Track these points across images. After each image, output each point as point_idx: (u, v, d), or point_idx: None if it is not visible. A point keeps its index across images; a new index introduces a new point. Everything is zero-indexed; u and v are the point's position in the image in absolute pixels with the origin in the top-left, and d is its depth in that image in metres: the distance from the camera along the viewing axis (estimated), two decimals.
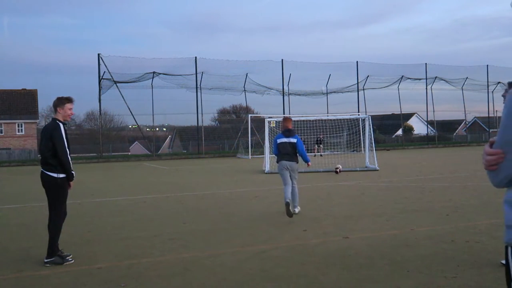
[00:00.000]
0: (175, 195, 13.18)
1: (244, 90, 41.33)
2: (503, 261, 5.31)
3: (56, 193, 6.05)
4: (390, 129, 58.97)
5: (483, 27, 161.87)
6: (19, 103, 53.92)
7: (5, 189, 16.46)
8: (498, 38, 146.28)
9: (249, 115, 37.16)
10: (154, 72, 37.05)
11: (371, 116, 22.43)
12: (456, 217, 8.53)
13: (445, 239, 6.72)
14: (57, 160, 5.98)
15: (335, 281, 5.06)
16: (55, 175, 6.00)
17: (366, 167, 20.58)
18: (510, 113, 1.94)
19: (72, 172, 6.11)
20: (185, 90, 39.00)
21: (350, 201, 11.03)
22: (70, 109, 6.20)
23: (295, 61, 41.91)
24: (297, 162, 9.50)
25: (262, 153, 27.36)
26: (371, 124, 21.39)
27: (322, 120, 28.13)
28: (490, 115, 50.78)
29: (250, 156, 32.74)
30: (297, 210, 9.43)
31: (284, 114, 38.26)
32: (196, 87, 38.66)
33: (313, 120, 27.14)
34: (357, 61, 43.82)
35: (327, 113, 41.41)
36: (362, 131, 23.94)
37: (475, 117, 63.55)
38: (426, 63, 45.16)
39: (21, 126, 53.76)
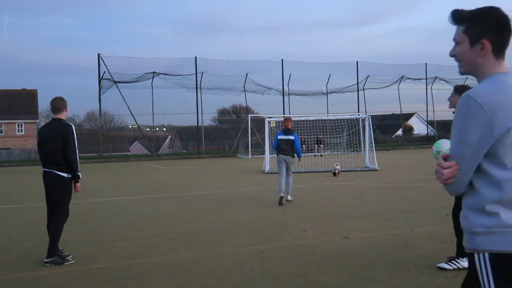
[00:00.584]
0: (175, 195, 13.18)
1: (244, 90, 41.34)
2: (441, 265, 5.34)
3: (64, 194, 6.11)
4: (390, 129, 58.95)
5: None
6: (19, 103, 53.95)
7: (5, 189, 16.46)
8: None
9: (249, 115, 37.15)
10: (154, 72, 37.06)
11: (371, 116, 22.42)
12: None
13: (445, 239, 6.72)
14: (67, 160, 6.05)
15: (335, 281, 5.06)
16: (65, 175, 6.07)
17: (366, 167, 20.58)
18: (465, 114, 1.99)
19: (79, 173, 6.18)
20: (185, 90, 39.06)
21: (350, 201, 11.03)
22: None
23: (295, 61, 41.97)
24: (293, 157, 11.05)
25: (262, 153, 27.36)
26: (371, 124, 21.39)
27: (322, 120, 28.16)
28: None
29: (250, 156, 32.74)
30: (289, 197, 11.00)
31: (284, 114, 38.28)
32: (196, 87, 38.67)
33: (313, 120, 27.16)
34: (357, 61, 43.86)
35: (327, 113, 41.43)
36: (362, 131, 23.94)
37: None
38: (426, 63, 45.17)
39: (21, 126, 53.79)
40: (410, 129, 59.90)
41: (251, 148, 34.58)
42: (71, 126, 6.17)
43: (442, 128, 48.07)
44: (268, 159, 20.62)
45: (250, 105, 48.16)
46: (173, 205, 11.22)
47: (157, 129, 62.30)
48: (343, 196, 12.02)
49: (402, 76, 43.92)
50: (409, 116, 59.82)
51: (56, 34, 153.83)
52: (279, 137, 11.01)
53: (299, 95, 43.14)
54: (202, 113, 39.53)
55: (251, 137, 35.48)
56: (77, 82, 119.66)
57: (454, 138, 2.05)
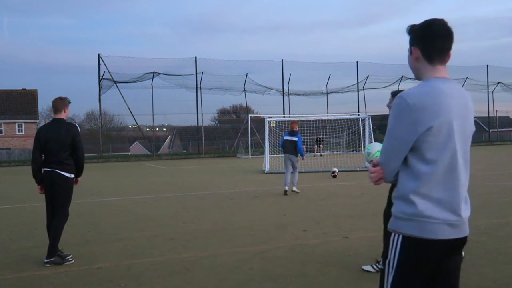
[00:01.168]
0: (175, 195, 13.18)
1: (244, 90, 41.32)
2: (365, 267, 5.35)
3: (67, 194, 6.14)
4: None
5: (482, 27, 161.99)
6: (19, 103, 53.96)
7: (5, 189, 16.46)
8: (497, 38, 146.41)
9: (249, 115, 37.13)
10: (154, 72, 37.05)
11: (371, 116, 22.42)
12: None
13: None
14: (72, 160, 6.10)
15: (335, 281, 5.06)
16: (68, 175, 6.10)
17: (366, 167, 20.57)
18: (396, 112, 2.26)
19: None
20: (185, 90, 39.05)
21: (350, 201, 11.03)
22: (68, 109, 6.37)
23: (295, 61, 41.95)
24: (297, 156, 12.66)
25: (262, 153, 27.37)
26: (371, 124, 21.39)
27: (322, 120, 28.14)
28: (490, 115, 50.75)
29: (250, 156, 32.73)
30: (295, 188, 12.59)
31: (284, 114, 38.28)
32: (196, 87, 38.66)
33: (313, 120, 27.15)
34: (357, 61, 43.84)
35: (327, 113, 41.40)
36: (362, 131, 23.94)
37: (475, 117, 63.45)
38: None
39: (21, 126, 53.79)
40: None
41: (251, 148, 34.57)
42: (77, 126, 6.26)
43: None
44: (268, 159, 20.62)
45: (250, 105, 48.15)
46: (173, 205, 11.22)
47: (157, 129, 62.29)
48: (343, 196, 12.02)
49: (402, 76, 43.87)
50: None
51: (56, 34, 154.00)
52: (285, 137, 12.75)
53: (299, 95, 43.13)
54: (202, 113, 39.56)
55: (251, 137, 35.47)
56: (77, 82, 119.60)
57: (387, 133, 2.33)
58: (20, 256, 6.47)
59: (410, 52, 2.40)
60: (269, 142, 22.42)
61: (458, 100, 2.30)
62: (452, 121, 2.25)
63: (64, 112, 6.23)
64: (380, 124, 56.76)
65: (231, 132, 55.20)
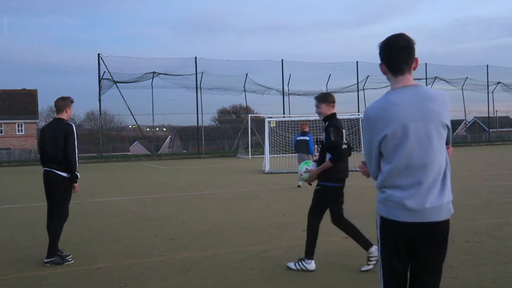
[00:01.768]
0: (175, 195, 13.18)
1: (244, 90, 41.35)
2: (289, 264, 5.49)
3: (64, 193, 6.11)
4: None
5: (482, 27, 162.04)
6: (19, 103, 53.92)
7: (5, 189, 16.46)
8: (497, 38, 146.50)
9: (249, 115, 37.12)
10: (154, 72, 37.06)
11: None
12: (456, 217, 8.48)
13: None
14: (65, 159, 6.05)
15: (335, 281, 5.06)
16: (65, 175, 6.08)
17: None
18: (364, 124, 2.78)
19: (77, 173, 6.17)
20: (185, 90, 39.08)
21: (350, 201, 11.01)
22: (72, 109, 6.34)
23: (295, 61, 42.01)
24: (308, 154, 13.96)
25: (262, 153, 27.35)
26: None
27: (322, 120, 28.10)
28: (490, 115, 50.74)
29: (250, 156, 32.73)
30: (301, 182, 13.33)
31: (284, 114, 38.28)
32: (196, 87, 38.68)
33: (313, 120, 27.10)
34: (357, 61, 43.88)
35: None
36: (362, 131, 23.89)
37: (475, 117, 63.55)
38: (426, 63, 45.13)
39: (21, 126, 53.75)
40: None
41: (251, 148, 34.57)
42: (72, 126, 6.15)
43: None
44: (268, 159, 20.61)
45: (250, 105, 48.23)
46: (173, 205, 11.22)
47: (157, 129, 62.34)
48: None
49: None
50: None
51: (56, 34, 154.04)
52: (297, 138, 14.19)
53: (299, 95, 43.13)
54: (202, 113, 39.59)
55: (251, 137, 35.47)
56: (77, 82, 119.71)
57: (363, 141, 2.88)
58: (20, 256, 6.47)
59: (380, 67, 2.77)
60: (269, 142, 22.41)
61: (413, 106, 2.60)
62: (408, 125, 2.59)
63: (66, 112, 6.22)
64: None
65: (231, 132, 55.20)
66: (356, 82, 43.94)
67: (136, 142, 69.90)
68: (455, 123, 65.45)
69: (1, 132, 53.08)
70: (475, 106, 59.69)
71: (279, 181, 16.09)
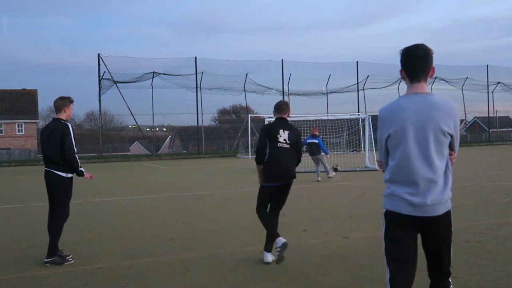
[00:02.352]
0: (175, 195, 13.18)
1: (244, 90, 41.34)
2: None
3: (63, 193, 6.10)
4: None
5: (482, 27, 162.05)
6: (19, 103, 53.92)
7: (5, 189, 16.46)
8: (497, 38, 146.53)
9: (249, 115, 37.13)
10: (154, 72, 37.06)
11: (371, 116, 22.39)
12: (456, 217, 8.47)
13: None
14: (65, 160, 6.05)
15: (335, 281, 5.06)
16: (63, 174, 6.07)
17: (366, 167, 20.58)
18: (378, 124, 3.06)
19: (81, 169, 6.21)
20: (185, 90, 39.07)
21: (350, 201, 11.03)
22: (72, 109, 6.31)
23: (295, 61, 42.01)
24: (319, 154, 15.93)
25: None
26: (371, 124, 21.38)
27: (322, 120, 28.09)
28: (490, 115, 50.73)
29: (250, 156, 32.71)
30: (331, 174, 16.50)
31: None
32: (196, 87, 38.67)
33: (313, 120, 27.11)
34: (357, 61, 43.85)
35: (327, 113, 41.39)
36: (362, 131, 23.93)
37: (475, 117, 63.54)
38: None
39: (21, 126, 53.75)
40: None
41: (251, 148, 34.56)
42: (68, 125, 6.10)
43: None
44: None
45: (250, 105, 48.17)
46: (173, 205, 11.22)
47: (157, 129, 62.33)
48: (343, 196, 12.02)
49: None
50: None
51: (56, 34, 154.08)
52: (308, 140, 16.02)
53: (299, 95, 43.14)
54: (202, 113, 39.58)
55: (251, 137, 35.46)
56: (77, 82, 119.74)
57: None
58: (20, 256, 6.47)
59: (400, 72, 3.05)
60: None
61: (417, 112, 2.87)
62: (407, 128, 2.88)
63: (65, 111, 6.20)
64: None
65: (231, 132, 55.22)
66: (356, 82, 43.93)
67: (136, 142, 69.90)
68: None
69: (1, 132, 53.08)
70: (475, 106, 59.62)
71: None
